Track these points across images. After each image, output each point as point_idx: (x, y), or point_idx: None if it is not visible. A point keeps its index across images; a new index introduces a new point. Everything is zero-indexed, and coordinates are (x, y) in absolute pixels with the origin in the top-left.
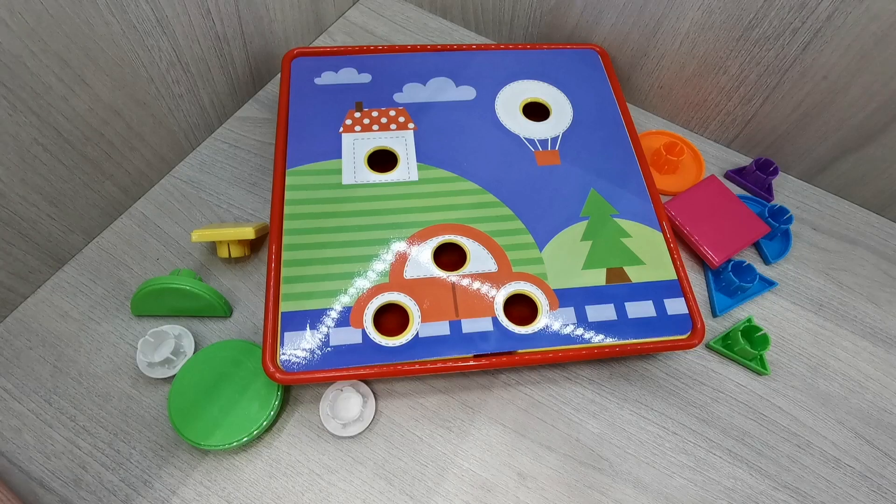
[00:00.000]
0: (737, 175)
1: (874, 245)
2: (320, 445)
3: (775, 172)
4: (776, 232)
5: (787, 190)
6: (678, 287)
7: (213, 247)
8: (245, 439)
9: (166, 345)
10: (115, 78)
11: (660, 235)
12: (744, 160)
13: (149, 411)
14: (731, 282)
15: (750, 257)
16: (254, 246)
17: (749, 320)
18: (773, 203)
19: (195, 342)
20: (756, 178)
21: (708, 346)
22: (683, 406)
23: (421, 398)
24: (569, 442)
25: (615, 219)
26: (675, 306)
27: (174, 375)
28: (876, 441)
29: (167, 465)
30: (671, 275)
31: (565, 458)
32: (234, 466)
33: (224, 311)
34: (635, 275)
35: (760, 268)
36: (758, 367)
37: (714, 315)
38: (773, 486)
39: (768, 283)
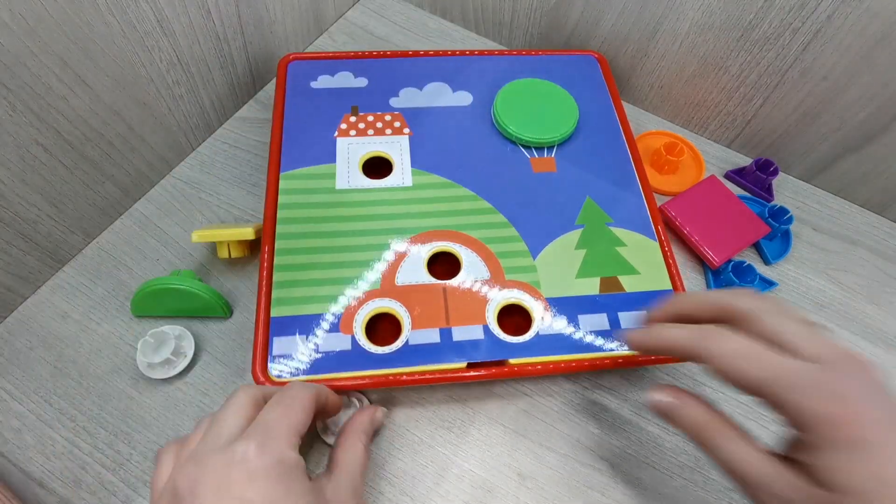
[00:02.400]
0: (737, 175)
1: (874, 245)
2: (320, 446)
3: (775, 172)
4: (776, 232)
5: (787, 190)
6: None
7: (213, 247)
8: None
9: (166, 346)
10: (115, 78)
11: (655, 245)
12: (744, 160)
13: (149, 412)
14: (732, 282)
15: (750, 258)
16: (254, 247)
17: None
18: (773, 203)
19: (195, 342)
20: (756, 179)
21: None
22: None
23: (421, 399)
24: (569, 442)
25: (610, 227)
26: None
27: (175, 376)
28: None
29: None
30: (666, 284)
31: (565, 459)
32: None
33: (224, 311)
34: (629, 284)
35: (760, 268)
36: None
37: None
38: None
39: (768, 284)
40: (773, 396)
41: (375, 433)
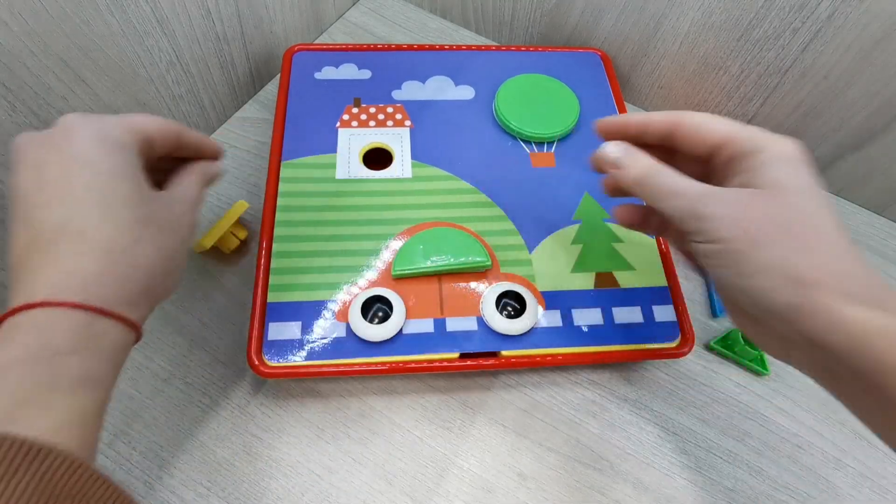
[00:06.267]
0: None
1: (874, 245)
2: (320, 446)
3: None
4: None
5: None
6: (668, 294)
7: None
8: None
9: None
10: (114, 78)
11: (652, 242)
12: None
13: (149, 412)
14: None
15: None
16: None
17: None
18: None
19: (195, 341)
20: None
21: (708, 347)
22: (683, 406)
23: (421, 398)
24: (569, 442)
25: (607, 223)
26: (664, 313)
27: (177, 375)
28: (876, 441)
29: (167, 466)
30: (661, 281)
31: (566, 459)
32: (233, 467)
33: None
34: (625, 280)
35: None
36: (758, 367)
37: (714, 315)
38: (773, 487)
39: None
40: (738, 141)
41: (210, 182)
